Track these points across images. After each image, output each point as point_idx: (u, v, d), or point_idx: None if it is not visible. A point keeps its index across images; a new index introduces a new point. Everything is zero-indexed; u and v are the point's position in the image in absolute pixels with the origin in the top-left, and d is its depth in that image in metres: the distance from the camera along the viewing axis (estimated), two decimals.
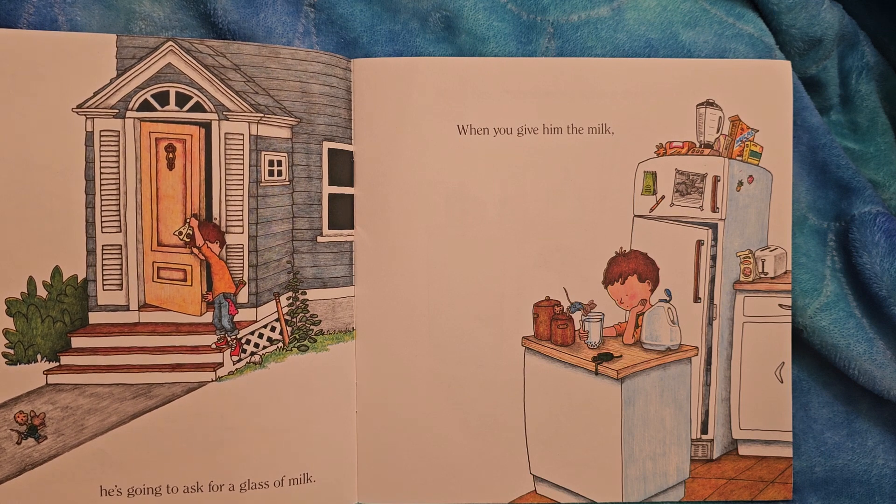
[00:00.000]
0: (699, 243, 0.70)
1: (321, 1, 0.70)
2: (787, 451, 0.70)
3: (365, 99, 0.69)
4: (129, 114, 0.64)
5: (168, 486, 0.64)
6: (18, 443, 0.63)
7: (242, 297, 0.66)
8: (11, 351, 0.62)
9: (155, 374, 0.64)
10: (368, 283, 0.69)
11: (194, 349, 0.65)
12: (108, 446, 0.64)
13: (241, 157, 0.65)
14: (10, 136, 0.62)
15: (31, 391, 0.63)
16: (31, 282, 0.62)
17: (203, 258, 0.65)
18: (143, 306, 0.65)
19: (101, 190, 0.63)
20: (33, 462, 0.63)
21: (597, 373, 0.69)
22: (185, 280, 0.65)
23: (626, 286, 0.70)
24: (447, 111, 0.69)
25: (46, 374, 0.63)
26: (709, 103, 0.69)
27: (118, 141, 0.64)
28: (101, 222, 0.64)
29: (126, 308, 0.65)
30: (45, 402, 0.63)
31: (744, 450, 0.71)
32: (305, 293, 0.67)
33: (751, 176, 0.70)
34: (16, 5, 0.66)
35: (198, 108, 0.64)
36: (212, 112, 0.64)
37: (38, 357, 0.63)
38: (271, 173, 0.66)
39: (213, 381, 0.65)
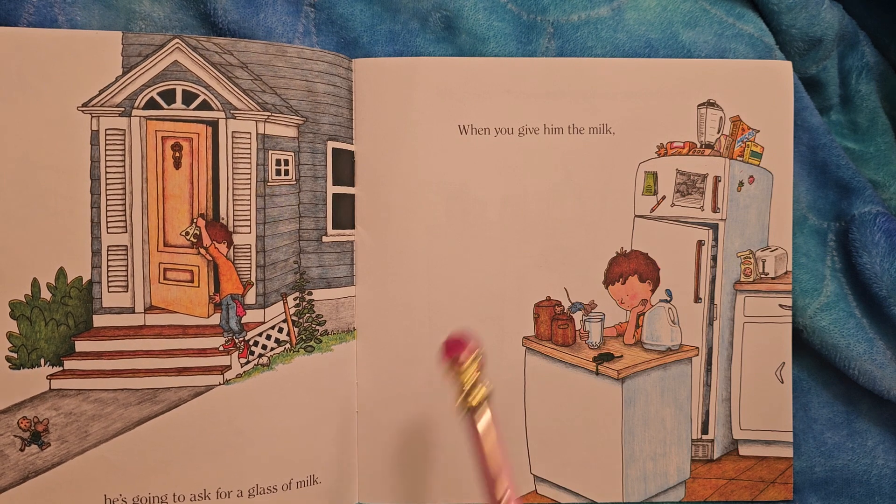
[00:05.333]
0: (700, 243, 0.72)
1: (321, 1, 0.71)
2: (788, 452, 0.72)
3: (366, 99, 0.70)
4: (134, 112, 0.64)
5: (174, 495, 0.65)
6: (22, 449, 0.63)
7: (250, 298, 0.66)
8: (15, 355, 0.63)
9: (161, 378, 0.65)
10: (369, 283, 0.70)
11: (202, 352, 0.65)
12: (113, 454, 0.64)
13: (249, 156, 0.66)
14: (14, 134, 0.62)
15: (34, 396, 0.63)
16: (35, 284, 0.63)
17: (210, 259, 0.65)
18: (149, 308, 0.65)
19: (106, 189, 0.64)
20: (36, 469, 0.63)
21: (597, 373, 0.71)
22: (191, 281, 0.65)
23: (627, 286, 0.71)
24: (448, 111, 0.70)
25: (50, 379, 0.63)
26: (710, 104, 0.71)
27: (124, 140, 0.64)
28: (107, 222, 0.64)
29: (132, 310, 0.65)
30: (49, 407, 0.63)
31: (744, 450, 0.73)
32: (311, 293, 0.68)
33: (751, 176, 0.72)
34: (16, 5, 0.66)
35: (205, 106, 0.65)
36: (219, 110, 0.65)
37: (42, 361, 0.63)
38: (278, 172, 0.67)
39: (220, 384, 0.65)
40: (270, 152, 0.67)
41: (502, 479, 0.56)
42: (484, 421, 0.58)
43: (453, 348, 0.60)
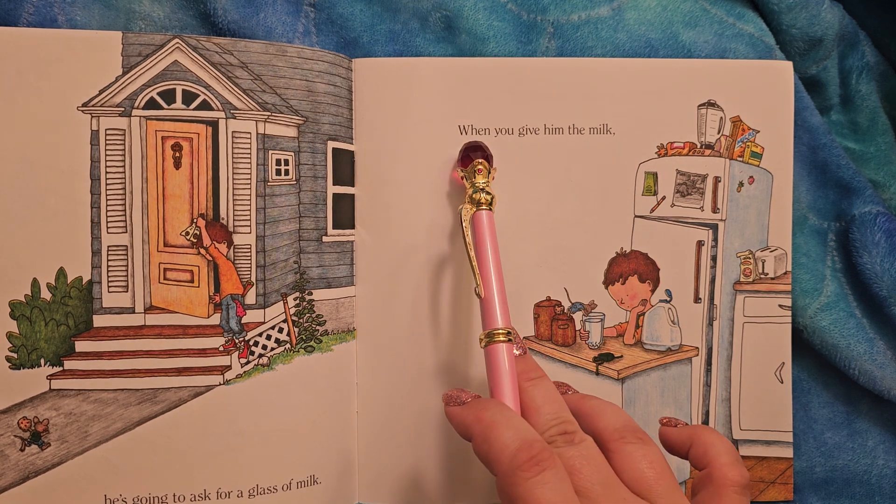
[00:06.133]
0: (699, 244, 0.72)
1: (321, 1, 0.71)
2: (788, 452, 0.72)
3: (366, 99, 0.70)
4: (134, 112, 0.64)
5: (175, 495, 0.64)
6: (22, 449, 0.63)
7: (250, 298, 0.66)
8: (15, 355, 0.63)
9: (161, 378, 0.64)
10: (369, 283, 0.70)
11: (202, 352, 0.65)
12: (113, 454, 0.64)
13: (249, 156, 0.66)
14: (14, 134, 0.62)
15: (34, 396, 0.63)
16: (35, 284, 0.63)
17: (210, 259, 0.65)
18: (149, 308, 0.65)
19: (106, 189, 0.64)
20: (37, 470, 0.63)
21: (597, 373, 0.71)
22: (191, 281, 0.65)
23: (627, 286, 0.71)
24: (448, 111, 0.70)
25: (50, 379, 0.63)
26: (710, 104, 0.71)
27: (124, 140, 0.64)
28: (107, 222, 0.64)
29: (132, 310, 0.65)
30: (49, 407, 0.63)
31: (744, 450, 0.72)
32: (311, 293, 0.68)
33: (751, 177, 0.72)
34: (15, 5, 0.66)
35: (205, 106, 0.65)
36: (219, 110, 0.65)
37: (42, 361, 0.63)
38: (278, 172, 0.66)
39: (220, 384, 0.65)
40: (270, 152, 0.67)
41: (491, 277, 0.62)
42: (485, 220, 0.64)
43: (470, 152, 0.69)
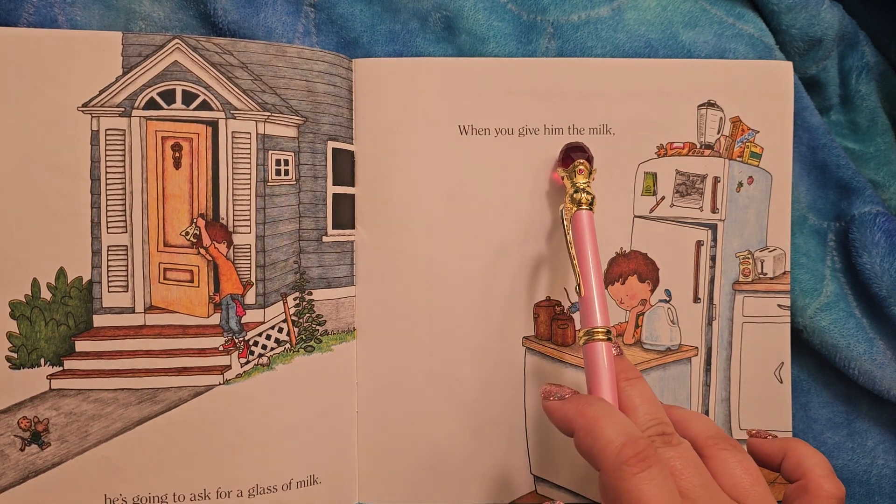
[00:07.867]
0: (699, 244, 0.72)
1: (321, 1, 0.71)
2: None
3: (366, 99, 0.70)
4: (134, 112, 0.64)
5: (175, 495, 0.64)
6: (22, 449, 0.63)
7: (250, 298, 0.66)
8: (15, 355, 0.63)
9: (161, 377, 0.65)
10: (369, 283, 0.70)
11: (201, 352, 0.65)
12: (113, 453, 0.64)
13: (249, 156, 0.66)
14: (14, 135, 0.62)
15: (34, 396, 0.63)
16: (35, 284, 0.63)
17: (210, 259, 0.65)
18: (149, 308, 0.65)
19: (106, 190, 0.64)
20: (37, 469, 0.63)
21: None
22: (191, 281, 0.65)
23: (627, 286, 0.71)
24: (448, 111, 0.70)
25: (50, 379, 0.63)
26: (710, 104, 0.71)
27: (124, 140, 0.64)
28: (107, 222, 0.64)
29: (132, 310, 0.65)
30: (49, 407, 0.63)
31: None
32: (311, 293, 0.68)
33: (751, 177, 0.72)
34: (15, 5, 0.67)
35: (204, 106, 0.65)
36: (219, 110, 0.65)
37: (42, 361, 0.63)
38: (278, 172, 0.66)
39: (220, 384, 0.65)
40: (270, 152, 0.67)
41: (590, 276, 0.63)
42: (585, 219, 0.65)
43: (571, 152, 0.69)
